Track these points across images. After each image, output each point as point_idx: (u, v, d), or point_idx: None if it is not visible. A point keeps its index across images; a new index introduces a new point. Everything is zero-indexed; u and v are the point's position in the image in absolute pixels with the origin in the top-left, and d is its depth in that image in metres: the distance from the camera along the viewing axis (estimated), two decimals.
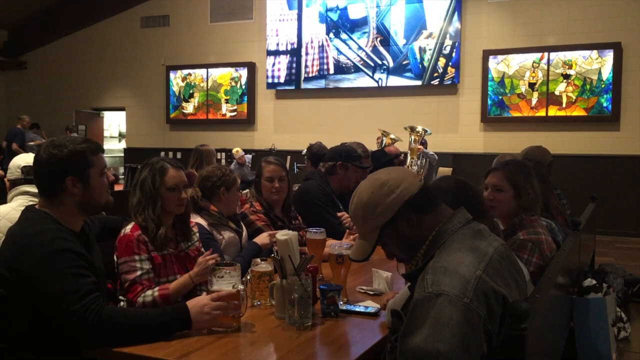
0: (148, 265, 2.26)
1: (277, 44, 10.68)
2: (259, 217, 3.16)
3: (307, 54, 10.46)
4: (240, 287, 2.01)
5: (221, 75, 11.31)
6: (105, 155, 2.11)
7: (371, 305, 2.21)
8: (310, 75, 10.46)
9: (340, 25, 10.22)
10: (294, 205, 3.47)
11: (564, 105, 8.83)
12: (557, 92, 8.85)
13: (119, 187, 6.95)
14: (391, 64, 9.85)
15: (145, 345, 1.78)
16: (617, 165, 8.52)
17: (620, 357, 3.64)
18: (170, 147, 11.60)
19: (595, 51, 8.62)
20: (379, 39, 9.93)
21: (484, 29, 9.39)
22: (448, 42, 9.46)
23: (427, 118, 9.28)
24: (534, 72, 8.97)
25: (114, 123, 15.00)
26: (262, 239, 2.85)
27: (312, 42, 10.44)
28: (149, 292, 2.20)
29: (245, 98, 11.12)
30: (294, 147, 9.78)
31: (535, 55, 8.96)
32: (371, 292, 2.43)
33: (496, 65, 9.19)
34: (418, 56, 9.67)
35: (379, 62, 9.92)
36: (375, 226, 1.60)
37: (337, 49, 10.24)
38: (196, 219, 2.70)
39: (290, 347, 1.84)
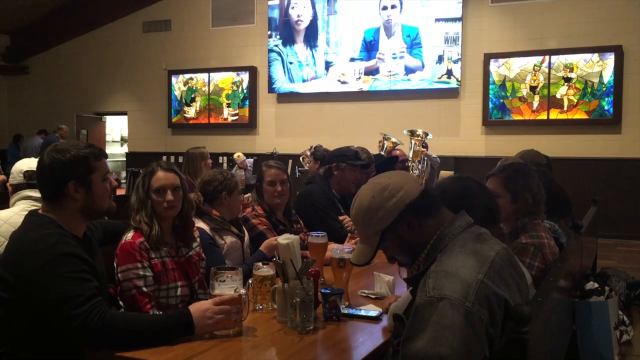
0: (150, 272, 2.27)
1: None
2: (261, 221, 3.16)
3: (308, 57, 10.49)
4: (242, 291, 2.01)
5: (223, 79, 11.33)
6: (107, 159, 2.11)
7: (373, 309, 2.21)
8: (311, 79, 10.47)
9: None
10: (296, 208, 3.48)
11: (565, 109, 8.82)
12: (558, 96, 8.85)
13: (121, 192, 6.94)
14: (393, 68, 9.85)
15: (147, 350, 1.78)
16: (619, 168, 8.51)
17: None
18: (172, 151, 11.61)
19: (596, 54, 8.62)
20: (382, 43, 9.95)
21: (485, 32, 9.39)
22: (449, 46, 9.46)
23: (428, 121, 9.27)
24: (535, 75, 8.97)
25: (115, 127, 15.01)
26: (267, 243, 2.83)
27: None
28: None
29: (247, 102, 11.13)
30: (295, 151, 9.79)
31: (537, 59, 8.96)
32: (373, 296, 2.43)
33: (497, 69, 9.20)
34: (420, 59, 9.67)
35: (382, 66, 9.92)
36: (377, 230, 1.60)
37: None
38: (198, 223, 2.70)
39: (292, 351, 1.84)
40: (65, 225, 1.94)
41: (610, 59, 8.54)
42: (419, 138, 6.61)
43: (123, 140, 14.81)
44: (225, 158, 11.09)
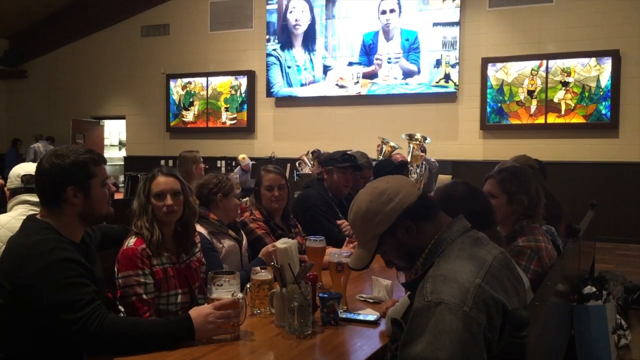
0: (150, 280, 2.26)
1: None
2: (259, 225, 3.16)
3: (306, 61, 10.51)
4: (239, 295, 2.01)
5: (221, 83, 11.34)
6: (106, 165, 2.11)
7: (371, 314, 2.21)
8: (309, 83, 10.48)
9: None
10: (294, 213, 3.48)
11: (562, 113, 8.84)
12: (556, 100, 8.87)
13: (119, 196, 6.92)
14: (391, 72, 9.86)
15: (145, 355, 1.78)
16: (616, 172, 8.52)
17: None
18: (170, 155, 11.60)
19: (593, 59, 8.64)
20: (379, 47, 9.97)
21: (483, 36, 9.42)
22: (447, 50, 9.48)
23: (426, 126, 9.29)
24: (532, 79, 9.00)
25: (114, 131, 15.02)
26: (265, 250, 2.82)
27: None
28: None
29: (245, 106, 11.14)
30: (293, 155, 9.79)
31: (534, 63, 8.99)
32: (371, 300, 2.43)
33: (495, 73, 9.22)
34: (417, 64, 9.69)
35: (379, 70, 9.94)
36: (375, 235, 1.60)
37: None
38: (196, 227, 2.70)
39: (290, 355, 1.84)
40: (63, 230, 1.94)
41: (607, 63, 8.56)
42: (418, 142, 6.62)
43: (121, 144, 14.81)
44: (223, 162, 11.09)
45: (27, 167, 2.83)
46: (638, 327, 4.49)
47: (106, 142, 14.19)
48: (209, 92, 11.43)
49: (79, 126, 12.79)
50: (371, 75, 10.00)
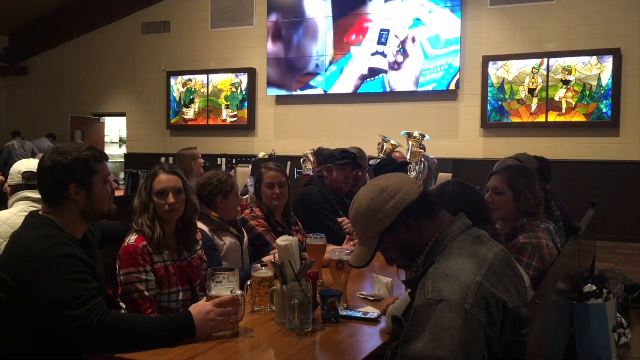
0: (152, 277, 2.26)
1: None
2: (260, 223, 3.16)
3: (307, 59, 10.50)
4: (239, 292, 2.01)
5: (222, 81, 11.33)
6: (108, 162, 2.11)
7: (371, 311, 2.21)
8: (311, 81, 10.47)
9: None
10: (295, 210, 3.48)
11: (563, 111, 8.84)
12: (556, 98, 8.87)
13: (119, 193, 6.92)
14: (391, 70, 9.85)
15: (145, 352, 1.78)
16: (617, 171, 8.52)
17: None
18: (170, 152, 11.59)
19: (594, 57, 8.63)
20: (379, 45, 9.95)
21: (484, 35, 9.41)
22: (449, 49, 9.47)
23: (427, 124, 9.28)
24: (533, 78, 8.99)
25: (114, 129, 15.01)
26: (270, 259, 2.81)
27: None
28: None
29: (246, 104, 11.13)
30: (294, 153, 9.79)
31: (535, 61, 8.98)
32: (371, 298, 2.43)
33: (496, 71, 9.21)
34: (419, 62, 9.68)
35: (379, 68, 9.93)
36: (375, 232, 1.60)
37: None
38: (198, 224, 2.70)
39: (291, 352, 1.84)
40: (66, 227, 1.94)
41: (608, 62, 8.56)
42: (417, 140, 6.62)
43: (122, 141, 14.82)
44: (223, 160, 11.10)
45: (28, 164, 2.83)
46: (638, 325, 4.50)
47: (107, 139, 14.20)
48: (210, 90, 11.43)
49: (79, 123, 12.79)
50: (373, 73, 9.98)
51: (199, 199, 2.84)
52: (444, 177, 8.62)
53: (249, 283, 2.27)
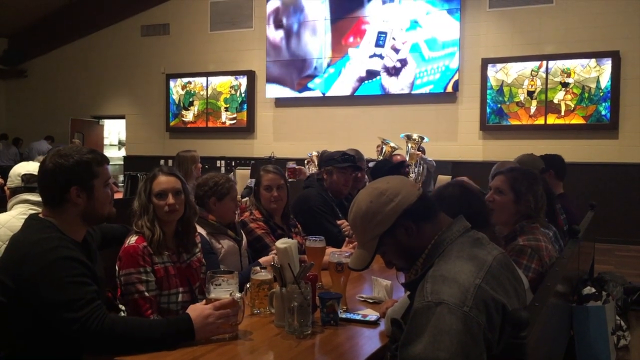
0: (152, 277, 2.27)
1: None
2: (259, 225, 3.16)
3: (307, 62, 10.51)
4: (237, 295, 2.01)
5: (221, 83, 11.34)
6: (109, 165, 2.11)
7: (371, 314, 2.21)
8: (310, 83, 10.48)
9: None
10: (294, 213, 3.48)
11: (562, 114, 8.85)
12: (555, 100, 8.88)
13: (118, 195, 6.92)
14: (388, 73, 9.86)
15: (145, 355, 1.78)
16: (616, 173, 8.53)
17: None
18: (169, 155, 11.58)
19: (593, 60, 8.65)
20: (377, 47, 9.97)
21: (483, 37, 9.42)
22: (447, 51, 9.49)
23: (426, 126, 9.30)
24: (532, 80, 9.00)
25: (113, 131, 15.02)
26: (267, 260, 2.81)
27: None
28: None
29: (245, 106, 11.14)
30: (293, 155, 9.79)
31: (534, 64, 8.99)
32: (371, 301, 2.43)
33: (495, 74, 9.22)
34: (417, 64, 9.69)
35: (377, 70, 9.94)
36: (374, 235, 1.60)
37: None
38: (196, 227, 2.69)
39: (290, 355, 1.84)
40: (66, 229, 1.94)
41: (607, 64, 8.57)
42: (415, 142, 6.63)
43: (121, 143, 14.82)
44: (222, 162, 11.10)
45: (28, 166, 2.83)
46: (637, 328, 4.50)
47: (106, 141, 14.19)
48: (209, 92, 11.43)
49: (78, 125, 12.79)
50: (371, 75, 9.99)
51: (195, 199, 2.84)
52: (443, 179, 8.61)
53: (248, 286, 2.27)
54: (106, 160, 2.06)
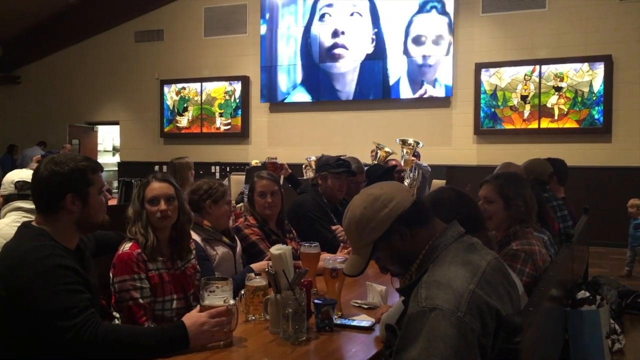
0: (146, 284, 2.26)
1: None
2: (253, 231, 3.15)
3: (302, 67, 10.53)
4: (231, 301, 2.01)
5: (215, 89, 11.34)
6: (102, 172, 2.11)
7: (366, 319, 2.21)
8: (304, 88, 10.50)
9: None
10: (289, 218, 3.47)
11: (556, 118, 8.89)
12: (549, 105, 8.92)
13: (112, 202, 6.88)
14: (383, 77, 9.89)
15: None
16: (610, 176, 8.56)
17: None
18: (164, 160, 11.56)
19: (586, 64, 8.69)
20: (372, 51, 10.00)
21: (476, 42, 9.46)
22: (441, 56, 9.52)
23: (420, 131, 9.31)
24: (526, 84, 9.04)
25: (107, 137, 14.96)
26: (259, 266, 2.80)
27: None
28: None
29: (239, 112, 11.14)
30: (288, 161, 9.76)
31: (527, 68, 9.04)
32: (365, 306, 2.42)
33: (488, 78, 9.26)
34: (411, 69, 9.72)
35: (372, 74, 9.96)
36: (369, 241, 1.60)
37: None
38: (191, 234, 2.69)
39: None
40: (59, 237, 1.93)
41: (600, 68, 8.62)
42: (411, 147, 6.64)
43: (115, 150, 14.77)
44: (217, 167, 11.09)
45: (21, 174, 2.82)
46: (632, 331, 4.51)
47: (100, 147, 14.15)
48: (203, 98, 11.43)
49: (73, 132, 12.74)
50: (366, 81, 10.02)
51: (190, 204, 2.83)
52: (438, 183, 8.62)
53: (242, 292, 2.26)
54: (100, 167, 2.05)
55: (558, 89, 8.85)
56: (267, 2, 10.71)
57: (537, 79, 8.96)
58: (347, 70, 10.15)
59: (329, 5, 10.28)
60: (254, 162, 9.20)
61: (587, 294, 2.70)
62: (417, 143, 6.83)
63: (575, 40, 8.80)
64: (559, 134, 8.87)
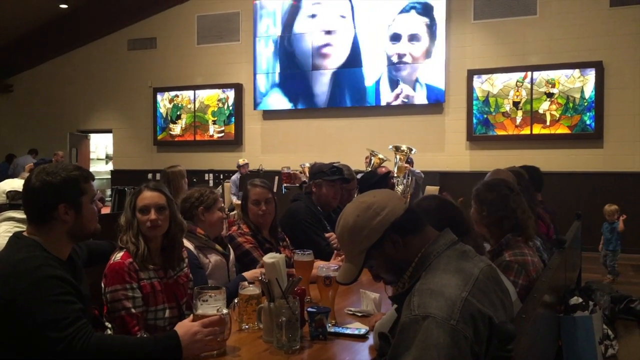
0: (138, 294, 2.25)
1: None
2: (247, 240, 3.15)
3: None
4: (225, 310, 2.00)
5: (208, 96, 11.34)
6: (94, 181, 2.10)
7: (359, 327, 2.21)
8: (297, 94, 10.51)
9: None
10: (282, 226, 3.47)
11: (548, 123, 8.94)
12: (541, 111, 8.97)
13: (105, 210, 6.85)
14: (375, 84, 9.92)
15: None
16: (602, 182, 8.61)
17: None
18: (157, 168, 11.53)
19: (577, 70, 8.76)
20: (365, 58, 10.03)
21: (468, 49, 9.51)
22: (433, 62, 9.56)
23: (413, 137, 9.34)
24: (517, 91, 9.09)
25: (100, 145, 14.94)
26: (251, 274, 2.79)
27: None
28: None
29: (233, 119, 11.14)
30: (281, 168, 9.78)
31: (519, 75, 9.09)
32: (359, 314, 2.42)
33: (481, 85, 9.30)
34: (404, 75, 9.75)
35: (366, 79, 9.99)
36: (362, 249, 1.60)
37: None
38: (184, 242, 2.68)
39: None
40: (51, 248, 1.91)
41: (591, 74, 8.68)
42: (404, 153, 6.64)
43: (108, 157, 14.74)
44: (211, 175, 11.07)
45: (12, 184, 2.81)
46: (625, 337, 4.51)
47: (93, 155, 14.12)
48: (197, 105, 11.43)
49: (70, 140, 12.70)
50: (359, 87, 10.05)
51: (182, 213, 2.82)
52: (431, 189, 8.66)
53: (235, 301, 2.26)
54: (92, 176, 2.04)
55: (550, 95, 8.91)
56: (260, 10, 10.73)
57: (529, 85, 9.02)
58: (329, 78, 10.17)
59: (317, 4, 10.32)
60: (241, 161, 9.30)
61: (580, 300, 2.71)
62: (411, 149, 6.83)
63: (567, 46, 8.87)
64: (551, 140, 8.92)
